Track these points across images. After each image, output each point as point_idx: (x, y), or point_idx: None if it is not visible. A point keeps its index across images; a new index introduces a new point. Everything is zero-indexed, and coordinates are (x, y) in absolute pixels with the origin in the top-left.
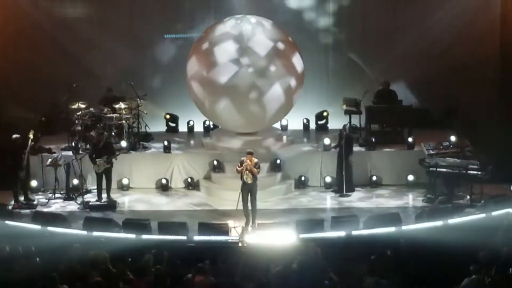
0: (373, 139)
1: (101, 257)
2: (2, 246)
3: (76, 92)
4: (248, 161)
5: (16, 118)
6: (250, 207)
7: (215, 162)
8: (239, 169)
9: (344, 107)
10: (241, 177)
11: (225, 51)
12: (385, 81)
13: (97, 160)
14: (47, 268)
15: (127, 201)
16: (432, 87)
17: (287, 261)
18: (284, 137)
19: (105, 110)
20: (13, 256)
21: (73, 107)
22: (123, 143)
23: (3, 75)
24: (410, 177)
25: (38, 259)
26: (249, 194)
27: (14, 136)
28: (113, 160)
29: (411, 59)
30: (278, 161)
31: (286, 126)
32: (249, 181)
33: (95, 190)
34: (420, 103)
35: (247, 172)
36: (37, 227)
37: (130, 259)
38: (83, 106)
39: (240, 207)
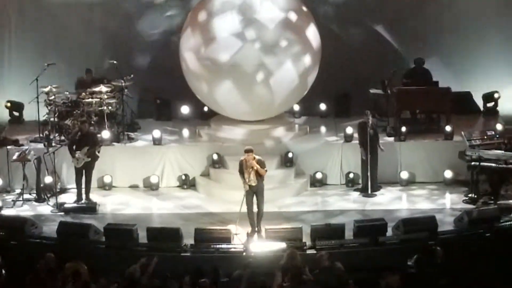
0: (404, 128)
1: (79, 269)
2: None
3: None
4: (250, 160)
5: None
6: (256, 210)
7: (215, 156)
8: (245, 177)
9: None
10: (244, 181)
11: (227, 23)
12: (418, 58)
13: (76, 152)
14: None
15: (110, 203)
16: (474, 67)
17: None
18: (297, 126)
19: (83, 94)
20: None
21: (44, 90)
22: (105, 134)
23: None
24: (448, 173)
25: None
26: (255, 196)
27: None
28: (96, 153)
29: (449, 34)
30: (290, 155)
31: (300, 112)
32: (253, 184)
33: (72, 190)
34: (460, 85)
35: (250, 173)
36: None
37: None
38: (56, 89)
39: (244, 209)
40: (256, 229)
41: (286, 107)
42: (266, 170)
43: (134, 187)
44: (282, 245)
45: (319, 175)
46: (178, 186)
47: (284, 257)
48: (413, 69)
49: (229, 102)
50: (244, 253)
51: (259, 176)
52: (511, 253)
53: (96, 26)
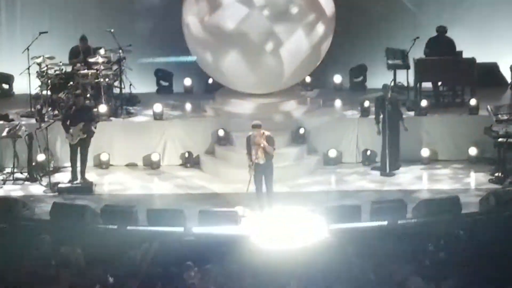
0: (425, 102)
1: (74, 254)
2: None
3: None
4: (257, 137)
5: None
6: (265, 191)
7: (220, 132)
8: (252, 154)
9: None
10: (251, 158)
11: None
12: (440, 26)
13: (71, 128)
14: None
15: (107, 183)
16: (501, 36)
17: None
18: (309, 100)
19: (78, 65)
20: None
21: (36, 61)
22: (102, 108)
23: None
24: (473, 151)
25: None
26: (263, 176)
27: None
28: (93, 129)
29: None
30: (302, 131)
31: (312, 85)
32: (261, 162)
33: (66, 168)
34: (485, 55)
35: (258, 151)
36: None
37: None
38: (49, 60)
39: (252, 190)
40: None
41: (297, 79)
42: (274, 149)
43: (133, 165)
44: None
45: (333, 153)
46: (180, 165)
47: None
48: (435, 38)
49: (236, 73)
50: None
51: (268, 153)
52: None
53: None
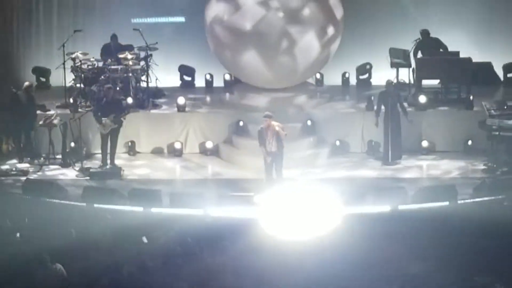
0: (424, 98)
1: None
2: None
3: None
4: (270, 126)
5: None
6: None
7: (239, 123)
8: (267, 143)
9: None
10: (263, 145)
11: None
12: (423, 30)
13: (103, 119)
14: (39, 246)
15: (134, 168)
16: (495, 38)
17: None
18: (319, 94)
19: (109, 61)
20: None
21: (71, 56)
22: (130, 100)
23: None
24: (468, 143)
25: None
26: (274, 163)
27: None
28: (122, 120)
29: (470, 5)
30: (310, 123)
31: (322, 81)
32: (273, 149)
33: (97, 155)
34: (480, 55)
35: (272, 138)
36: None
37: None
38: (83, 56)
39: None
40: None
41: (309, 76)
42: (286, 134)
43: (158, 153)
44: None
45: (340, 143)
46: (200, 153)
47: None
48: (422, 41)
49: (253, 70)
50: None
51: (279, 143)
52: None
53: None
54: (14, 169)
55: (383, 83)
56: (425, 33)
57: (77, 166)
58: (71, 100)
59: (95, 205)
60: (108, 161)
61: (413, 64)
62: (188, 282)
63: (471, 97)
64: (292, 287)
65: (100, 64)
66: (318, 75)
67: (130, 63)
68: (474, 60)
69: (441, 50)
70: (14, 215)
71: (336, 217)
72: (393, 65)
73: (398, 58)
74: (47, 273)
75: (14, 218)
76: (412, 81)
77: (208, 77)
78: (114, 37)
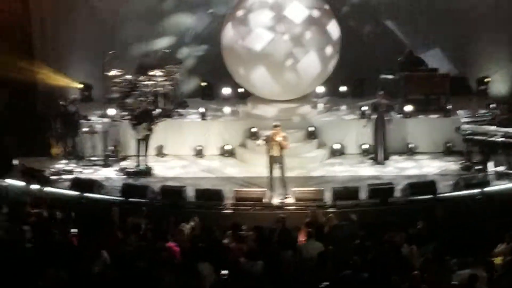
0: (410, 107)
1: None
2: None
3: (112, 59)
4: (276, 135)
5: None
6: (279, 176)
7: (251, 129)
8: (269, 148)
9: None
10: (268, 150)
11: (261, 18)
12: (404, 51)
13: (138, 126)
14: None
15: (163, 168)
16: (469, 56)
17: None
18: (320, 105)
19: (141, 77)
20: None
21: (109, 74)
22: (159, 111)
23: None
24: (446, 145)
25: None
26: (277, 165)
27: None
28: (153, 127)
29: (449, 28)
30: (313, 129)
31: (323, 93)
32: (275, 154)
33: (132, 157)
34: (457, 70)
35: (274, 145)
36: (75, 193)
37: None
38: (119, 73)
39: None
40: (285, 193)
41: (311, 89)
42: (287, 144)
43: (183, 155)
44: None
45: (338, 146)
46: (220, 155)
47: (309, 215)
48: (404, 61)
49: (263, 84)
50: (275, 211)
51: (281, 148)
52: (499, 212)
53: (155, 17)
54: (63, 169)
55: (374, 95)
56: (408, 52)
57: (116, 166)
58: (110, 111)
59: (132, 200)
60: (142, 162)
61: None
62: None
63: (449, 106)
64: None
65: (134, 80)
66: (319, 88)
67: (159, 79)
68: (451, 75)
69: (423, 67)
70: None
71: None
72: (382, 80)
73: (388, 74)
74: None
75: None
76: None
77: (225, 90)
78: (146, 57)
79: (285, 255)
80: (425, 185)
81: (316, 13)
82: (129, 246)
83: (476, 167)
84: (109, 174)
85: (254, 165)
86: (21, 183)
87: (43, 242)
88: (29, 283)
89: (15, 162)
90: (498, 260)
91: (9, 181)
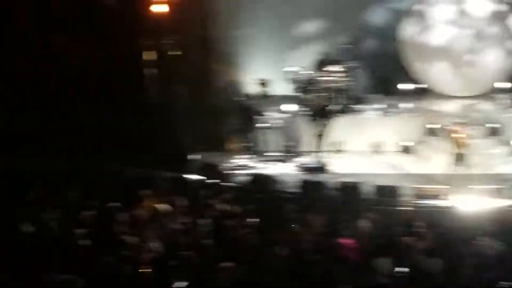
0: None
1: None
2: None
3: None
4: (456, 132)
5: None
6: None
7: (431, 126)
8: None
9: None
10: (448, 147)
11: (441, 13)
12: None
13: (315, 122)
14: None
15: (340, 164)
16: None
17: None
18: (503, 101)
19: (321, 73)
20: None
21: (290, 70)
22: (338, 106)
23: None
24: None
25: None
26: (458, 163)
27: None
28: (330, 122)
29: None
30: (496, 125)
31: (508, 89)
32: (456, 151)
33: (308, 153)
34: None
35: (456, 141)
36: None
37: None
38: (301, 69)
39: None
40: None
41: (492, 85)
42: (467, 144)
43: (361, 151)
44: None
45: None
46: (398, 151)
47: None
48: None
49: (442, 80)
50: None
51: (462, 146)
52: None
53: (333, 16)
54: (240, 164)
55: None
56: None
57: (292, 162)
58: (290, 106)
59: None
60: (319, 157)
61: None
62: None
63: None
64: None
65: (314, 75)
66: (500, 84)
67: (338, 75)
68: None
69: None
70: None
71: None
72: None
73: None
74: None
75: None
76: None
77: (404, 86)
78: (326, 54)
79: (463, 254)
80: None
81: (498, 8)
82: (307, 242)
83: None
84: (286, 169)
85: (434, 162)
86: (200, 177)
87: (221, 237)
88: (207, 277)
89: (192, 157)
90: None
91: (188, 176)
